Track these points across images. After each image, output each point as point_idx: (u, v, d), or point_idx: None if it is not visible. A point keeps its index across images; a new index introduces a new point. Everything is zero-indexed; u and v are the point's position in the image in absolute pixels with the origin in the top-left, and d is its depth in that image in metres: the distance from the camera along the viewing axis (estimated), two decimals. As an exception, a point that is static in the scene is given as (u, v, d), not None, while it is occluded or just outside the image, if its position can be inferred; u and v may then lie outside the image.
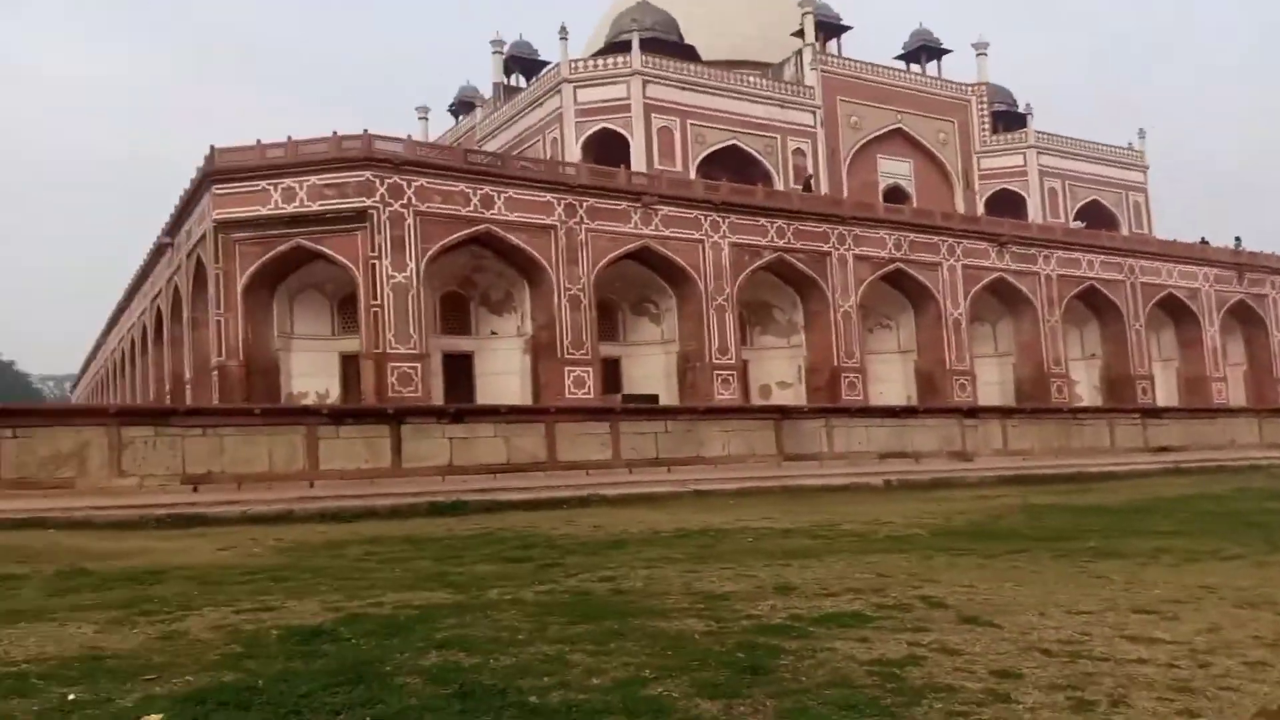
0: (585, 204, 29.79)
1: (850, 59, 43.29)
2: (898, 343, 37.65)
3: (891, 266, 35.29)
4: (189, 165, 30.11)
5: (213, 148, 26.92)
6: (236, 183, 26.63)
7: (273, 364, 28.06)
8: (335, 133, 26.92)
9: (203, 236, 27.74)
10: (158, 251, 34.92)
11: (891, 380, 36.52)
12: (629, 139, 37.34)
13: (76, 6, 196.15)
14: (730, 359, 32.06)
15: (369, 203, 26.43)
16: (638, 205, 30.62)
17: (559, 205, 29.36)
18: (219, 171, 26.72)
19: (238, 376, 26.63)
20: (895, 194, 42.73)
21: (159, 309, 35.78)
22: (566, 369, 29.19)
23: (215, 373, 27.07)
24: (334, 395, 28.56)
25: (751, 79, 40.54)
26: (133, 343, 43.48)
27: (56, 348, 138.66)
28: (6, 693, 3.89)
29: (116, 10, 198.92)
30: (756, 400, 33.11)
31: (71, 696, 3.83)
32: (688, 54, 40.65)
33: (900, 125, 43.52)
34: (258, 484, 17.02)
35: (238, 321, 26.75)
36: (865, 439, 23.47)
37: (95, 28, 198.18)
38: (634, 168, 34.93)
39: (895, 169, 43.85)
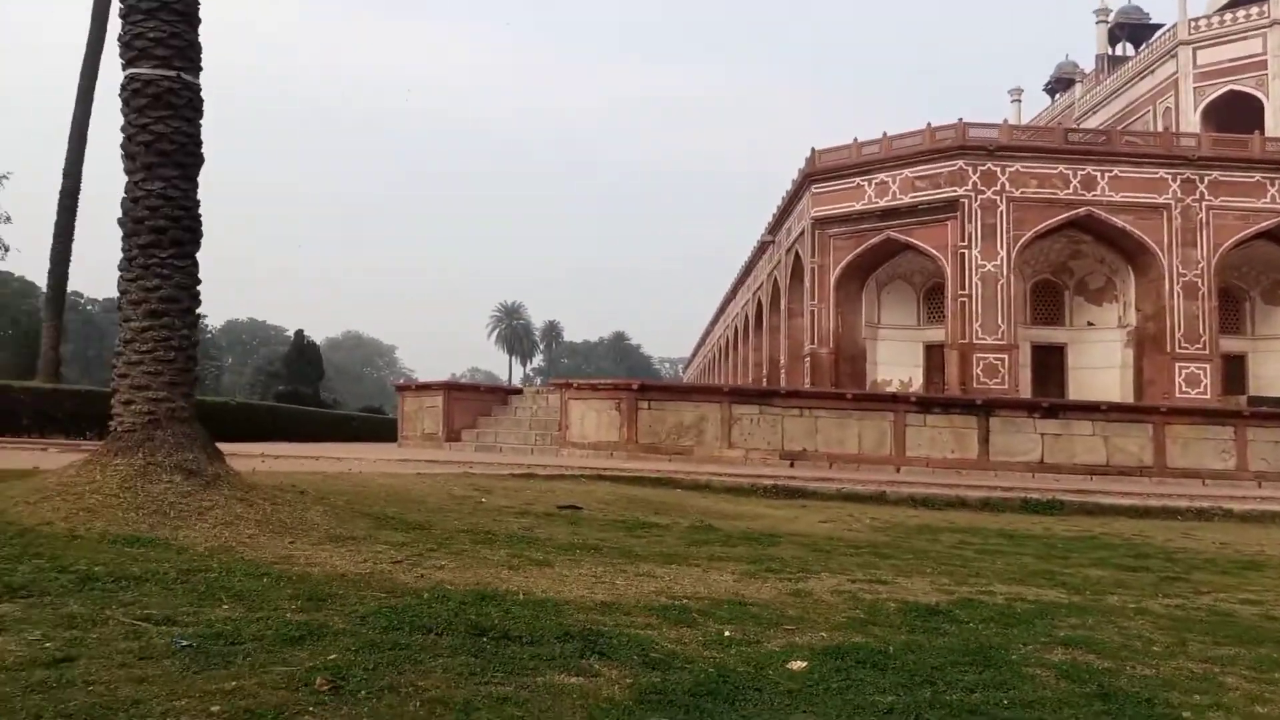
0: (1206, 178, 26.27)
1: None
2: None
3: None
4: (788, 170, 32.55)
5: (813, 150, 28.78)
6: (832, 181, 28.16)
7: (860, 351, 29.22)
8: (929, 124, 27.07)
9: (801, 233, 29.81)
10: (761, 249, 38.29)
11: None
12: (1264, 101, 32.06)
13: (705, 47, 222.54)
14: (1405, 358, 26.02)
15: (960, 192, 26.15)
16: (1277, 176, 26.17)
17: (1174, 181, 26.26)
18: (817, 171, 28.49)
19: (827, 363, 28.20)
20: None
21: (759, 300, 39.22)
22: (1177, 365, 26.09)
23: (807, 359, 28.97)
24: (916, 384, 28.86)
25: None
26: (735, 330, 48.25)
27: (671, 333, 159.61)
28: (676, 621, 4.58)
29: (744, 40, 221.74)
30: None
31: (727, 633, 4.37)
32: (1350, -10, 33.62)
33: None
34: (847, 464, 17.90)
35: (829, 311, 28.31)
36: None
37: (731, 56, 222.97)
38: (1270, 133, 29.89)
39: None
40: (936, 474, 17.34)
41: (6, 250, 37.01)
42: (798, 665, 3.83)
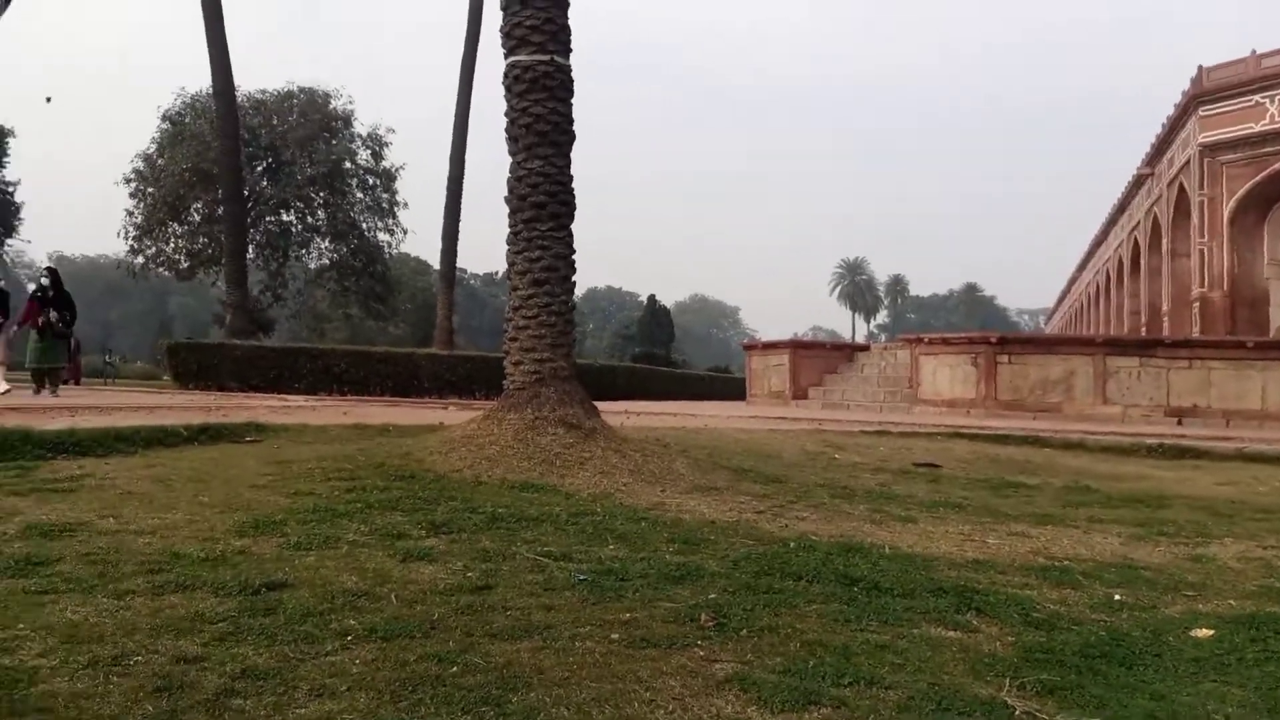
0: None
1: None
2: None
3: None
4: (1167, 96, 29.09)
5: (1200, 68, 25.48)
6: (1225, 101, 24.80)
7: (1260, 294, 25.64)
8: (1349, 22, 22.99)
9: (1186, 163, 26.58)
10: (1136, 183, 34.61)
11: None
12: None
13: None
14: None
15: (1392, 100, 22.02)
16: None
17: None
18: (1206, 92, 25.22)
19: (1220, 308, 25.04)
20: None
21: (1135, 241, 35.54)
22: None
23: (1195, 304, 25.90)
24: (1334, 330, 24.86)
25: None
26: (1107, 276, 44.11)
27: (1030, 283, 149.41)
28: (1057, 582, 4.33)
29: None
30: None
31: (1116, 597, 4.08)
32: None
33: None
34: (1247, 422, 15.92)
35: (1222, 250, 25.11)
36: None
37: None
38: None
39: None
40: (1363, 433, 14.96)
41: (405, 233, 42.36)
42: (1202, 633, 3.50)
